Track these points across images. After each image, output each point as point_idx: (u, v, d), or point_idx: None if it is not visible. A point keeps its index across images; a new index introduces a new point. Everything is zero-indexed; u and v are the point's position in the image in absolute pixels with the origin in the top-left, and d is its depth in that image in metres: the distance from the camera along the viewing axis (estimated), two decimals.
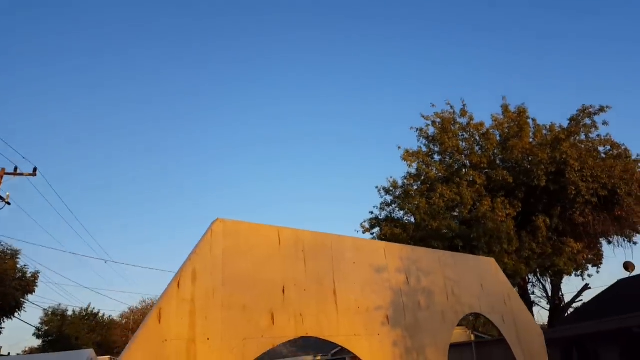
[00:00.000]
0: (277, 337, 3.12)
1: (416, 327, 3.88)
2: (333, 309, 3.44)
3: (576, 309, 20.18)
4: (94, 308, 35.29)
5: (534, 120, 17.94)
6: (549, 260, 16.64)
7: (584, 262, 17.00)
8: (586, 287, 21.24)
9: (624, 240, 18.31)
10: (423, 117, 18.61)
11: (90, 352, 13.55)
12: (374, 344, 3.60)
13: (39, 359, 13.79)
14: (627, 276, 24.03)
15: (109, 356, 16.89)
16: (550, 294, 20.79)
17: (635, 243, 18.52)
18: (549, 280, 20.39)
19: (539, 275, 18.60)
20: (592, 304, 18.97)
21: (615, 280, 24.35)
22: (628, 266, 23.33)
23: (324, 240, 3.65)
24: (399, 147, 20.03)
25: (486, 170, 17.36)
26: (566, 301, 21.11)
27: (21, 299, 17.92)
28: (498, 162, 17.91)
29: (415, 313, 3.93)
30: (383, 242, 3.99)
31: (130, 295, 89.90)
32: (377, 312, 3.69)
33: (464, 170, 18.75)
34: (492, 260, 4.99)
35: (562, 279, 19.80)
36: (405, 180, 20.62)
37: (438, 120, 19.77)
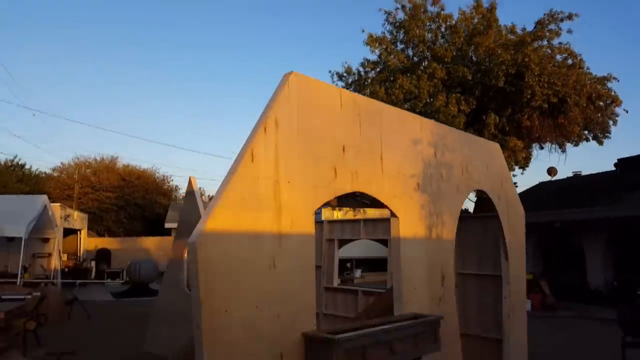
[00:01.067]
0: (338, 189, 3.38)
1: (438, 195, 4.28)
2: (380, 172, 3.72)
3: None
4: (20, 159, 33.83)
5: (497, 23, 18.01)
6: None
7: (522, 159, 18.49)
8: (514, 185, 23.14)
9: (556, 148, 19.89)
10: None
11: (45, 197, 13.43)
12: (408, 205, 3.97)
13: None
14: (548, 179, 26.32)
15: (59, 203, 16.78)
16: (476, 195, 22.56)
17: (564, 151, 20.17)
18: None
19: None
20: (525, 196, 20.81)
21: (536, 183, 26.55)
22: (551, 171, 25.54)
23: (375, 107, 3.82)
24: (363, 31, 19.57)
25: (447, 65, 17.65)
26: None
27: None
28: (460, 57, 18.15)
29: (438, 183, 4.31)
30: (419, 117, 4.23)
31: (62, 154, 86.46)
32: (411, 179, 4.02)
33: (425, 62, 18.93)
34: (497, 145, 5.43)
35: None
36: (361, 68, 20.53)
37: (409, 5, 19.31)
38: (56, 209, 15.41)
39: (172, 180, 40.42)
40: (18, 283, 11.41)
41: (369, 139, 3.67)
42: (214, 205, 2.67)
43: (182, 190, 42.73)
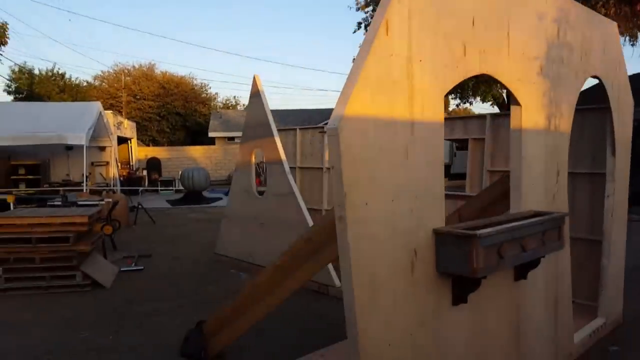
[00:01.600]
0: (468, 70, 2.96)
1: (558, 81, 3.80)
2: (505, 53, 3.25)
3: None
4: (59, 68, 33.93)
5: None
6: None
7: None
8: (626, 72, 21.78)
9: (630, 40, 18.28)
10: None
11: (99, 104, 13.38)
12: (530, 92, 3.53)
13: (50, 108, 13.58)
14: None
15: (111, 111, 16.82)
16: None
17: (633, 44, 18.52)
18: None
19: None
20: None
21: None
22: None
23: None
24: None
25: None
26: None
27: None
28: None
29: (558, 68, 3.80)
30: None
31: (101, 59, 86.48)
32: (534, 62, 3.53)
33: None
34: (614, 24, 4.76)
35: None
36: None
37: None
38: (109, 116, 15.45)
39: (210, 88, 40.15)
40: (84, 190, 11.69)
41: (497, 11, 3.16)
42: (351, 86, 2.31)
43: (221, 98, 42.49)
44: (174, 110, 33.90)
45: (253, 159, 7.37)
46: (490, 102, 25.30)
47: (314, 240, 3.36)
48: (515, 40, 3.32)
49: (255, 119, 7.12)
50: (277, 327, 5.01)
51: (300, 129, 8.80)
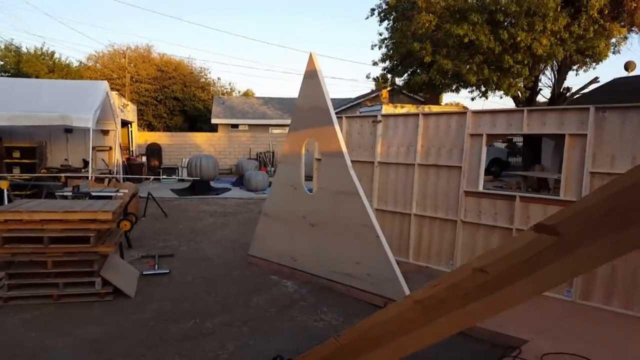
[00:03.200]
0: None
1: None
2: None
3: (574, 100, 20.18)
4: (48, 47, 32.42)
5: None
6: (588, 43, 15.74)
7: (621, 47, 16.44)
8: (595, 80, 21.09)
9: None
10: None
11: (106, 84, 12.18)
12: None
13: (51, 85, 12.33)
14: (624, 75, 23.95)
15: (116, 92, 15.58)
16: (554, 84, 20.52)
17: None
18: (556, 68, 19.89)
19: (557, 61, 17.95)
20: (589, 97, 19.00)
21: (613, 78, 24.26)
22: (629, 66, 23.03)
23: None
24: None
25: None
26: (572, 91, 20.98)
27: None
28: None
29: None
30: None
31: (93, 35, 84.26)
32: None
33: None
34: None
35: (576, 66, 19.27)
36: None
37: None
38: (115, 98, 14.21)
39: (210, 72, 38.81)
40: (90, 178, 10.53)
41: None
42: None
43: (223, 81, 41.06)
44: (171, 95, 32.54)
45: (303, 150, 6.32)
46: (500, 96, 24.36)
47: (490, 273, 2.37)
48: None
49: (310, 103, 6.07)
50: None
51: (346, 117, 7.75)
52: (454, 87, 18.62)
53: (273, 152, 22.81)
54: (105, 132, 14.48)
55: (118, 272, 5.90)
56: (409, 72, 19.58)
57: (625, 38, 16.44)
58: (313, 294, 5.82)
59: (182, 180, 17.92)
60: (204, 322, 4.92)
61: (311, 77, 6.03)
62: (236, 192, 15.88)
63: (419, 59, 17.85)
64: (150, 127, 31.57)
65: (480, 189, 6.41)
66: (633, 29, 17.55)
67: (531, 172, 14.45)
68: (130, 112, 18.02)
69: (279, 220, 6.66)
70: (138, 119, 29.22)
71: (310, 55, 6.01)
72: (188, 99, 33.26)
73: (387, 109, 18.32)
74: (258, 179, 15.93)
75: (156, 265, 6.74)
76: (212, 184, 16.61)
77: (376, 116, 7.40)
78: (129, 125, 18.60)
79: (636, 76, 22.21)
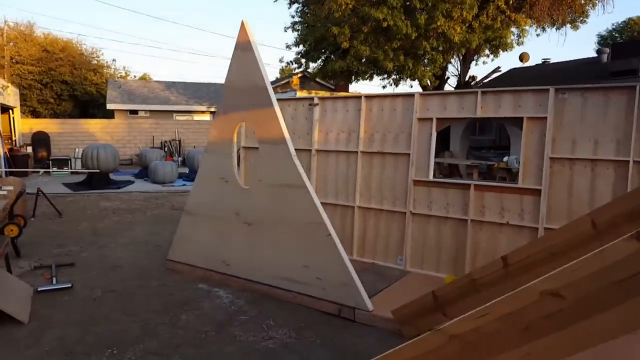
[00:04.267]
0: None
1: None
2: None
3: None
4: None
5: None
6: (496, 33, 16.17)
7: (524, 39, 17.15)
8: (497, 69, 22.02)
9: (555, 27, 18.47)
10: None
11: None
12: None
13: None
14: (520, 66, 25.57)
15: None
16: (460, 72, 21.15)
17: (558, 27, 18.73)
18: (460, 58, 20.47)
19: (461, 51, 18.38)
20: (491, 85, 19.91)
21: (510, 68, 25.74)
22: (523, 57, 24.53)
23: None
24: None
25: None
26: (477, 80, 21.76)
27: None
28: None
29: None
30: None
31: None
32: None
33: None
34: None
35: (479, 55, 19.94)
36: None
37: None
38: None
39: (102, 54, 35.59)
40: None
41: None
42: None
43: (119, 63, 37.85)
44: (59, 78, 29.26)
45: (235, 137, 5.42)
46: (411, 85, 24.72)
47: (568, 299, 1.73)
48: None
49: (243, 80, 5.17)
50: None
51: (279, 100, 6.91)
52: (368, 74, 18.36)
53: (180, 141, 21.22)
54: None
55: (4, 290, 4.64)
56: (323, 58, 19.02)
57: (526, 30, 17.15)
58: (253, 305, 4.98)
59: (76, 172, 15.96)
60: (123, 352, 3.90)
61: (244, 49, 5.13)
62: (140, 185, 14.36)
63: (333, 44, 17.34)
64: (35, 114, 28.21)
65: (431, 177, 5.93)
66: (531, 20, 18.37)
67: (442, 159, 14.52)
68: (12, 96, 15.62)
69: (205, 219, 5.70)
70: (21, 105, 25.95)
71: (242, 23, 5.10)
72: (78, 83, 30.13)
73: (301, 95, 17.65)
74: (166, 170, 14.53)
75: (54, 279, 5.49)
76: (112, 176, 14.93)
77: (312, 99, 6.66)
78: (10, 111, 16.17)
79: (530, 66, 23.68)
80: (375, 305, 4.58)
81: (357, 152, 6.36)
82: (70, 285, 5.30)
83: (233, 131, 5.38)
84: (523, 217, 5.29)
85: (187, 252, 5.90)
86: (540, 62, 24.61)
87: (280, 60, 40.10)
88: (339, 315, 4.72)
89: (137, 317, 4.59)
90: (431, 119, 5.87)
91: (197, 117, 25.74)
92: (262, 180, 5.16)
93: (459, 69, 20.81)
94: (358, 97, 6.36)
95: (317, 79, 23.34)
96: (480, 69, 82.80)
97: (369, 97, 6.34)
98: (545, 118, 5.08)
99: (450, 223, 5.83)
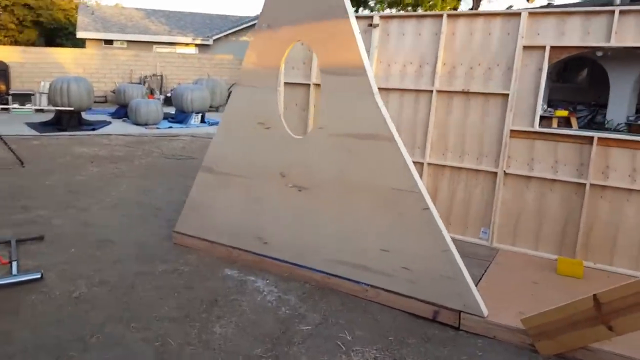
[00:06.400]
0: None
1: None
2: None
3: None
4: None
5: None
6: None
7: None
8: (510, 8, 20.42)
9: None
10: None
11: None
12: None
13: None
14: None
15: None
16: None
17: None
18: None
19: None
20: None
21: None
22: None
23: None
24: None
25: None
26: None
27: None
28: None
29: None
30: None
31: None
32: None
33: None
34: None
35: None
36: None
37: None
38: None
39: None
40: None
41: None
42: None
43: None
44: (20, 1, 26.09)
45: (283, 63, 3.71)
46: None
47: None
48: None
49: None
50: None
51: None
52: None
53: (162, 76, 18.99)
54: None
55: None
56: None
57: None
58: (310, 304, 3.48)
59: (41, 110, 13.86)
60: None
61: None
62: (119, 127, 12.48)
63: None
64: None
65: (537, 127, 4.39)
66: None
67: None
68: None
69: (233, 180, 4.07)
70: None
71: None
72: (44, 8, 26.99)
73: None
74: (150, 109, 12.61)
75: (14, 263, 3.84)
76: (85, 115, 12.95)
77: (371, 17, 4.92)
78: None
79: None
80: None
81: (431, 90, 4.73)
82: (39, 276, 3.65)
83: (281, 55, 3.65)
84: None
85: (204, 224, 4.30)
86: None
87: None
88: (433, 320, 3.28)
89: (148, 332, 3.03)
90: (543, 47, 4.26)
91: (180, 50, 23.27)
92: (325, 127, 3.52)
93: None
94: (437, 16, 4.64)
95: None
96: None
97: (453, 16, 4.63)
98: None
99: (559, 187, 4.36)
